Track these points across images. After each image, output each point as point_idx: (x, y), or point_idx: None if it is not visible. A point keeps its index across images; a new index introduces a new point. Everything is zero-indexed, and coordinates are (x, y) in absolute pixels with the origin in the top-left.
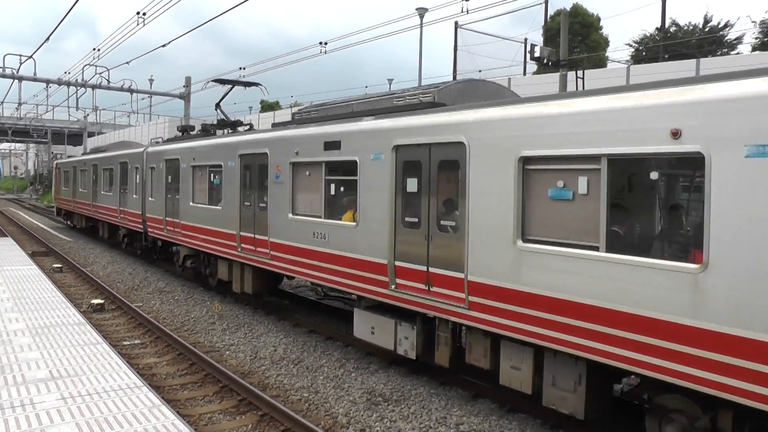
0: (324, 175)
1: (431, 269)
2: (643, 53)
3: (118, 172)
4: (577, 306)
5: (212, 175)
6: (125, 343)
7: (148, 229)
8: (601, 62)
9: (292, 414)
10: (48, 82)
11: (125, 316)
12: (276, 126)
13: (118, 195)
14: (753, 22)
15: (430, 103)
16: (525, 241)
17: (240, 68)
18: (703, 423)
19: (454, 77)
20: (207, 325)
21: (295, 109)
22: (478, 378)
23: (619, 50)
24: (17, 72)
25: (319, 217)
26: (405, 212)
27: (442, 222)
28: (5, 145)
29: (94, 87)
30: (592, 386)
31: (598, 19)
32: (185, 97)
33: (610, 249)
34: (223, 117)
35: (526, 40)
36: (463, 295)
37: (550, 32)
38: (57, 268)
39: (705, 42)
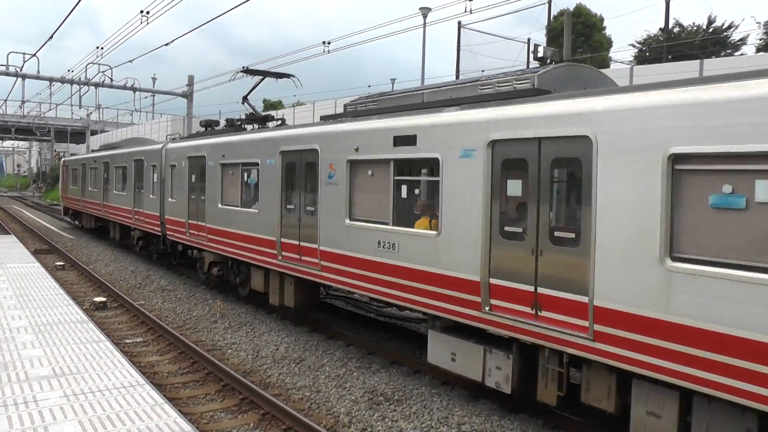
0: (392, 174)
1: (540, 290)
2: (647, 54)
3: (133, 171)
4: (750, 344)
5: (246, 174)
6: (127, 341)
7: (167, 233)
8: (604, 63)
9: (294, 413)
10: (51, 80)
11: (127, 314)
12: (326, 119)
13: (133, 195)
14: (757, 23)
15: (532, 90)
16: (674, 260)
17: (242, 67)
18: None
19: (457, 77)
20: (209, 323)
21: (346, 102)
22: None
23: (622, 51)
24: (21, 70)
25: (386, 223)
26: (504, 221)
27: (556, 233)
28: (8, 143)
29: (97, 85)
30: None
31: (601, 20)
32: (188, 95)
33: None
34: (252, 111)
35: (529, 40)
36: (586, 323)
37: (553, 32)
38: (59, 265)
39: (708, 43)
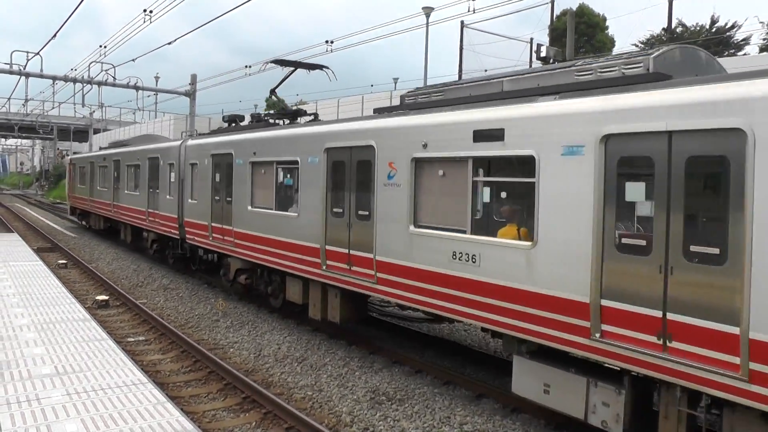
0: (471, 175)
1: (671, 316)
2: None
3: (147, 169)
4: None
5: (283, 173)
6: (130, 339)
7: (187, 236)
8: None
9: (296, 412)
10: (54, 78)
11: (130, 313)
12: (381, 111)
13: (147, 195)
14: (761, 23)
15: (648, 75)
16: None
17: (246, 66)
18: None
19: (460, 77)
20: (211, 322)
21: (402, 93)
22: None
23: (625, 50)
24: (24, 68)
25: (463, 231)
26: (620, 231)
27: (692, 248)
28: (11, 141)
29: (100, 84)
30: None
31: (604, 19)
32: (191, 94)
33: None
34: (281, 105)
35: (531, 39)
36: (737, 360)
37: (556, 32)
38: (62, 264)
39: (712, 43)
